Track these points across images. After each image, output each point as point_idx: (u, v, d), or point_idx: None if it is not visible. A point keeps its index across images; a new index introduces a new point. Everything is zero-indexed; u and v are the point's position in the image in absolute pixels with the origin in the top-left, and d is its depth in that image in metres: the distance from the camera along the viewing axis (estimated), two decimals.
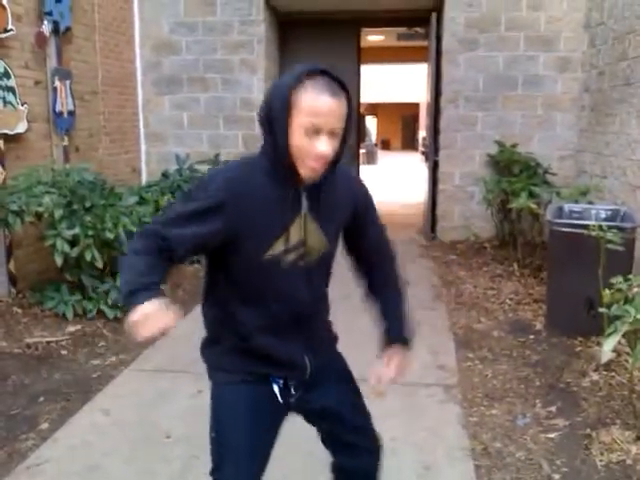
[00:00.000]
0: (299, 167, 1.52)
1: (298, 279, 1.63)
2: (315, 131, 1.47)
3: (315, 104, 1.46)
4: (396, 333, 1.82)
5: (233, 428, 1.67)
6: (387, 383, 1.81)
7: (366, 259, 1.83)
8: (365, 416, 1.86)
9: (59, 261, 4.30)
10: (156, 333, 1.42)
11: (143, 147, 7.42)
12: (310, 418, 1.83)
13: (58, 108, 5.45)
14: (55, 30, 5.38)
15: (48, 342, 4.08)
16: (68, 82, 5.58)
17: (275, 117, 1.48)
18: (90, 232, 4.37)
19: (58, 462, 2.78)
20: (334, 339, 1.87)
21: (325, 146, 1.49)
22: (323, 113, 1.46)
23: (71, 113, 5.65)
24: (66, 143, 5.61)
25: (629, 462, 2.73)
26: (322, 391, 1.75)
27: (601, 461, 2.75)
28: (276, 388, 1.69)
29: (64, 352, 3.98)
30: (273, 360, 1.66)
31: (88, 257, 4.36)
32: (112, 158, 6.59)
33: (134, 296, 1.43)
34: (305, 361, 1.70)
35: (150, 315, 1.40)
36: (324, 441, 1.86)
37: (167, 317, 1.42)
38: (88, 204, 4.60)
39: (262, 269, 1.57)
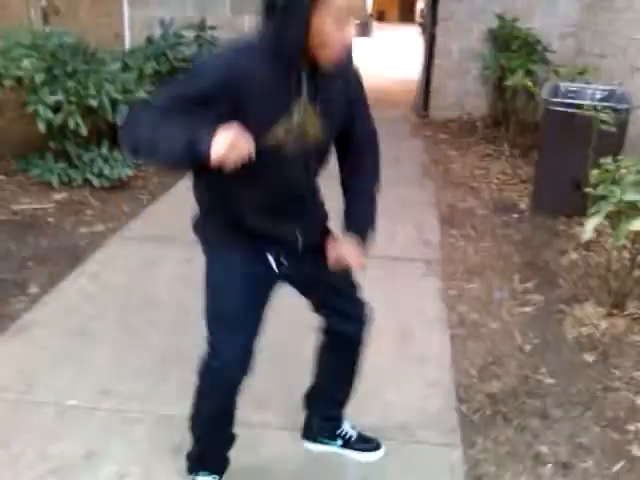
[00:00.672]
0: (317, 54, 1.47)
1: (298, 166, 1.63)
2: (346, 20, 1.43)
3: None
4: (353, 224, 1.78)
5: (228, 294, 1.70)
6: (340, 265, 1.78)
7: (349, 149, 1.79)
8: (354, 286, 1.91)
9: (42, 128, 4.20)
10: (244, 157, 1.38)
11: (126, 11, 7.04)
12: (301, 287, 1.86)
13: None
14: None
15: (34, 209, 4.08)
16: None
17: (296, 3, 1.39)
18: (73, 98, 4.25)
19: (47, 324, 2.86)
20: (325, 217, 1.87)
21: (352, 36, 1.46)
22: (356, 4, 1.44)
23: None
24: (44, 3, 5.31)
25: (597, 335, 2.85)
26: (312, 261, 1.79)
27: (571, 334, 2.87)
28: (270, 257, 1.72)
29: (51, 219, 3.99)
30: (266, 237, 1.69)
31: (72, 124, 4.26)
32: (94, 21, 6.25)
33: (200, 137, 1.37)
34: (297, 237, 1.73)
35: (232, 140, 1.35)
36: (316, 309, 1.91)
37: (245, 138, 1.38)
38: (70, 69, 4.42)
39: (263, 153, 1.52)
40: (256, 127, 1.49)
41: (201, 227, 1.76)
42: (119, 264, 3.48)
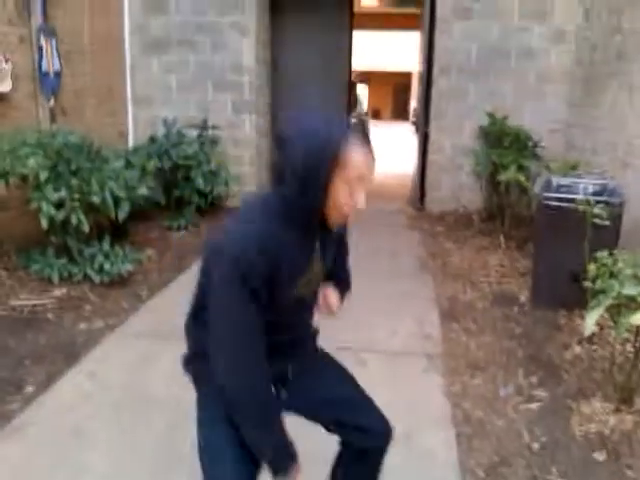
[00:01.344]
0: (329, 216, 1.53)
1: (302, 310, 1.72)
2: (359, 188, 1.49)
3: (366, 165, 1.48)
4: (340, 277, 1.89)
5: (220, 441, 1.63)
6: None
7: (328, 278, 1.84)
8: (366, 398, 1.87)
9: (45, 224, 4.26)
10: None
11: (130, 110, 7.31)
12: (310, 412, 1.82)
13: (44, 67, 5.34)
14: None
15: (34, 305, 4.07)
16: (54, 40, 5.46)
17: (315, 173, 1.43)
18: (76, 195, 4.33)
19: (44, 424, 2.79)
20: (316, 337, 1.91)
21: (364, 201, 1.52)
22: (370, 172, 1.50)
23: (57, 74, 5.54)
24: (52, 104, 5.51)
25: (607, 432, 2.78)
26: (314, 382, 1.79)
27: (580, 431, 2.80)
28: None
29: (50, 316, 3.97)
30: None
31: (74, 220, 4.33)
32: (99, 121, 6.49)
33: (284, 462, 1.54)
34: (288, 370, 1.76)
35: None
36: (330, 430, 1.85)
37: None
38: (74, 167, 4.54)
39: (284, 307, 1.59)
40: (284, 288, 1.56)
41: (191, 362, 1.75)
42: (117, 362, 3.43)
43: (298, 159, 1.43)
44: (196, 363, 1.73)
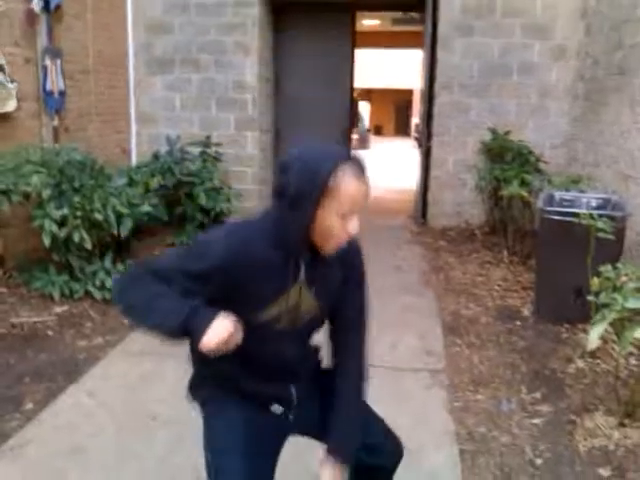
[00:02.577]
0: (319, 243, 1.54)
1: (289, 340, 1.67)
2: (350, 214, 1.51)
3: (356, 192, 1.49)
4: (337, 447, 1.73)
5: (229, 454, 1.63)
6: None
7: (339, 324, 1.78)
8: (378, 419, 1.87)
9: (47, 241, 4.27)
10: (232, 349, 1.45)
11: (134, 128, 7.36)
12: (319, 433, 1.79)
13: (48, 87, 5.39)
14: (45, 7, 5.29)
15: (34, 322, 4.06)
16: (59, 61, 5.51)
17: (305, 197, 1.47)
18: (79, 213, 4.34)
19: (42, 443, 2.77)
20: (319, 364, 1.88)
21: (356, 227, 1.53)
22: (361, 199, 1.51)
23: (62, 93, 5.58)
24: (56, 123, 5.55)
25: (611, 447, 2.75)
26: (321, 403, 1.78)
27: (584, 447, 2.77)
28: (275, 407, 1.73)
29: (50, 333, 3.96)
30: (261, 396, 1.71)
31: (76, 238, 4.33)
32: (102, 139, 6.53)
33: (195, 320, 1.44)
34: (292, 394, 1.74)
35: (226, 334, 1.42)
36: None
37: (238, 330, 1.46)
38: (77, 184, 4.56)
39: (253, 331, 1.57)
40: (250, 306, 1.56)
41: (197, 387, 1.77)
42: (117, 379, 3.41)
43: (292, 181, 1.48)
44: (200, 389, 1.75)
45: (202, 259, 1.52)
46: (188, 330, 1.44)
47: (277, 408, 1.73)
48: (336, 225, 1.50)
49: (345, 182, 1.47)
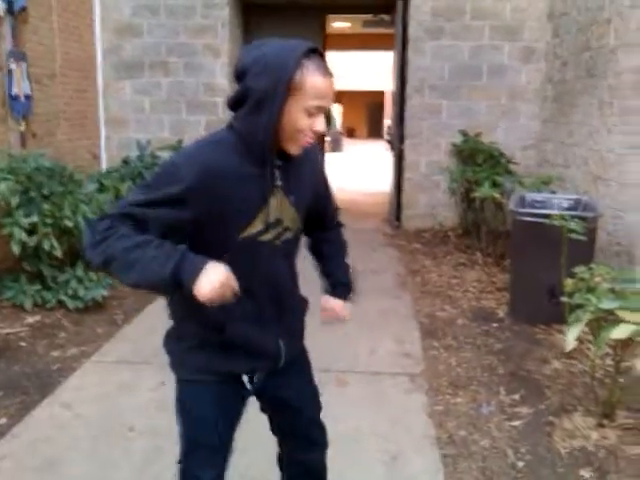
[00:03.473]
0: (286, 144, 1.50)
1: (278, 259, 1.62)
2: (317, 111, 1.47)
3: (322, 87, 1.44)
4: (335, 283, 1.89)
5: (199, 423, 1.65)
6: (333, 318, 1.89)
7: (315, 223, 1.83)
8: (319, 410, 1.88)
9: (17, 250, 4.17)
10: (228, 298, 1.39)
11: (103, 133, 7.25)
12: (267, 406, 1.82)
13: (14, 91, 5.27)
14: (9, 10, 5.18)
15: (6, 334, 3.96)
16: (24, 64, 5.40)
17: (268, 97, 1.42)
18: (48, 220, 4.25)
19: (17, 458, 2.70)
20: (305, 308, 1.84)
21: (323, 125, 1.49)
22: (327, 94, 1.47)
23: (28, 97, 5.47)
24: (23, 128, 5.43)
25: (590, 448, 2.77)
26: (284, 382, 1.75)
27: (564, 448, 2.79)
28: (245, 378, 1.68)
29: (23, 344, 3.87)
30: (244, 351, 1.62)
31: (47, 246, 4.25)
32: (71, 144, 6.41)
33: (186, 261, 1.36)
34: (279, 348, 1.68)
35: (220, 284, 1.35)
36: (274, 430, 1.87)
37: (232, 279, 1.39)
38: (46, 191, 4.47)
39: (242, 252, 1.53)
40: (233, 222, 1.50)
41: (174, 341, 1.67)
42: (93, 390, 3.34)
43: (253, 83, 1.43)
44: (172, 336, 1.69)
45: (175, 181, 1.44)
46: (178, 278, 1.35)
47: (247, 384, 1.69)
48: (303, 122, 1.46)
49: (311, 77, 1.42)
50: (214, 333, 1.58)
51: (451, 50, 6.96)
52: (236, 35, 7.39)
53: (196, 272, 1.35)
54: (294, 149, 1.51)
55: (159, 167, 1.53)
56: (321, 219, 1.84)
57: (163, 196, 1.44)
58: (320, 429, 1.87)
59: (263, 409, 1.83)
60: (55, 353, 3.76)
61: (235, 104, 1.50)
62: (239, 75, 1.47)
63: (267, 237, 1.55)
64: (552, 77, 6.59)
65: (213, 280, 1.34)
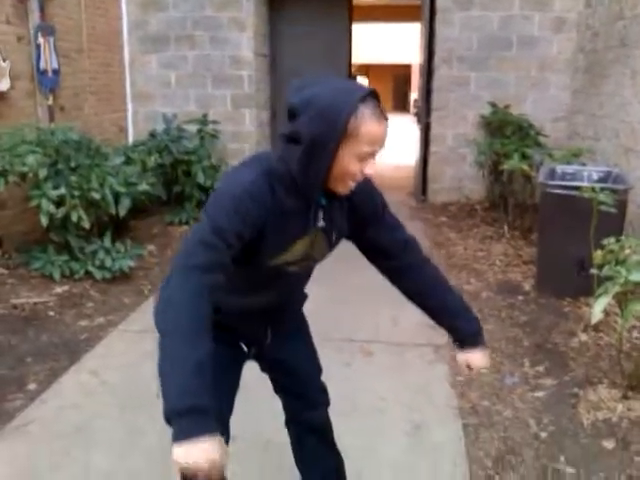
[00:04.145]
0: (334, 185, 1.47)
1: (291, 281, 1.68)
2: (369, 156, 1.43)
3: (377, 134, 1.40)
4: (466, 334, 1.76)
5: None
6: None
7: (382, 254, 1.74)
8: (319, 370, 1.93)
9: (45, 222, 4.23)
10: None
11: (130, 106, 7.28)
12: (265, 367, 1.90)
13: (42, 66, 5.31)
14: None
15: (35, 303, 4.05)
16: (52, 39, 5.43)
17: (323, 143, 1.38)
18: (76, 192, 4.31)
19: (46, 423, 2.77)
20: (303, 302, 1.90)
21: (374, 168, 1.46)
22: (381, 141, 1.42)
23: (55, 72, 5.51)
24: (51, 102, 5.48)
25: (615, 420, 2.75)
26: (280, 345, 1.81)
27: (587, 419, 2.77)
28: (242, 344, 1.75)
29: (51, 313, 3.95)
30: (231, 331, 1.69)
31: (74, 218, 4.30)
32: (98, 117, 6.46)
33: (184, 419, 1.25)
34: (267, 335, 1.78)
35: (212, 461, 1.21)
36: (276, 390, 1.94)
37: (224, 456, 1.25)
38: (73, 164, 4.52)
39: (266, 272, 1.56)
40: (268, 251, 1.50)
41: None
42: (119, 358, 3.40)
43: (307, 127, 1.38)
44: None
45: (232, 214, 1.39)
46: (170, 421, 1.27)
47: (243, 346, 1.75)
48: (354, 168, 1.43)
49: (365, 124, 1.38)
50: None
51: (480, 21, 6.81)
52: (261, 8, 7.32)
53: (187, 439, 1.23)
54: (341, 190, 1.49)
55: (217, 199, 1.45)
56: (386, 249, 1.72)
57: (226, 232, 1.39)
58: (320, 388, 1.92)
59: (263, 369, 1.91)
60: (82, 322, 3.83)
61: (289, 141, 1.45)
62: (292, 113, 1.42)
63: (293, 268, 1.59)
64: (584, 47, 6.42)
65: (196, 459, 1.21)
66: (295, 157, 1.42)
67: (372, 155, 1.43)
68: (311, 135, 1.37)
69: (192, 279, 1.35)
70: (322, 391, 1.92)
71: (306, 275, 1.73)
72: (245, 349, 1.76)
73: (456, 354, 1.80)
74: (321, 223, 1.54)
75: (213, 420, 1.26)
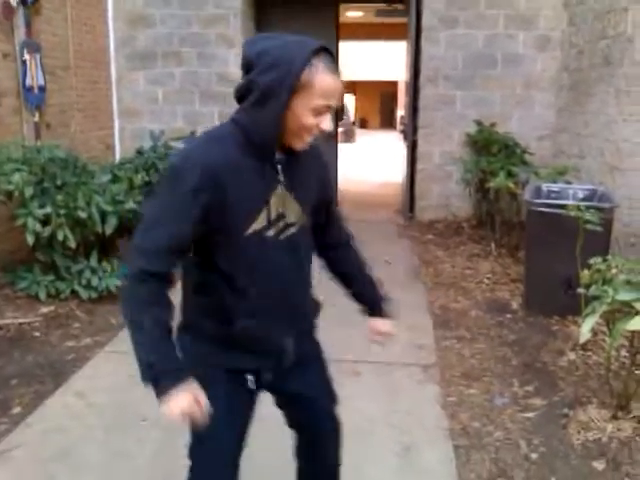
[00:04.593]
0: (290, 140, 1.50)
1: (283, 255, 1.59)
2: (324, 110, 1.47)
3: (330, 86, 1.44)
4: (377, 309, 1.94)
5: (212, 423, 1.57)
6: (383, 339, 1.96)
7: (328, 236, 1.82)
8: (334, 402, 1.85)
9: (31, 241, 4.19)
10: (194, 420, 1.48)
11: (117, 123, 7.26)
12: (280, 400, 1.80)
13: (28, 82, 5.29)
14: (22, 1, 5.19)
15: (20, 324, 4.00)
16: (38, 55, 5.41)
17: (274, 92, 1.41)
18: (62, 211, 4.26)
19: (31, 447, 2.72)
20: (317, 311, 1.82)
21: (330, 124, 1.50)
22: (335, 94, 1.46)
23: (42, 88, 5.48)
24: (37, 119, 5.45)
25: (605, 440, 2.75)
26: (295, 375, 1.72)
27: (578, 440, 2.77)
28: (249, 378, 1.65)
29: (37, 334, 3.90)
30: (250, 348, 1.60)
31: (60, 237, 4.26)
32: (85, 135, 6.43)
33: (162, 381, 1.46)
34: (285, 347, 1.66)
35: (187, 409, 1.45)
36: (289, 424, 1.85)
37: (201, 408, 1.47)
38: (60, 182, 4.49)
39: (246, 248, 1.52)
40: (236, 218, 1.49)
41: (182, 334, 1.66)
42: (106, 380, 3.36)
43: (260, 77, 1.41)
44: (181, 334, 1.67)
45: (183, 183, 1.44)
46: (151, 381, 1.47)
47: (252, 383, 1.66)
48: (310, 121, 1.46)
49: (319, 75, 1.41)
50: (223, 327, 1.57)
51: (465, 39, 6.89)
52: (248, 25, 7.35)
53: (166, 394, 1.45)
54: (298, 145, 1.51)
55: (169, 169, 1.52)
56: (326, 224, 1.80)
57: (173, 208, 1.47)
58: (334, 422, 1.83)
59: (278, 404, 1.82)
60: (69, 343, 3.79)
61: (240, 97, 1.49)
62: (246, 67, 1.46)
63: (270, 233, 1.54)
64: (568, 65, 6.50)
65: (180, 407, 1.44)
66: (246, 109, 1.47)
67: (327, 109, 1.47)
68: (264, 84, 1.41)
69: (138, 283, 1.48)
70: (336, 425, 1.84)
71: (292, 245, 1.60)
72: (253, 381, 1.66)
73: (370, 324, 1.95)
74: (281, 177, 1.54)
75: (178, 373, 1.48)
